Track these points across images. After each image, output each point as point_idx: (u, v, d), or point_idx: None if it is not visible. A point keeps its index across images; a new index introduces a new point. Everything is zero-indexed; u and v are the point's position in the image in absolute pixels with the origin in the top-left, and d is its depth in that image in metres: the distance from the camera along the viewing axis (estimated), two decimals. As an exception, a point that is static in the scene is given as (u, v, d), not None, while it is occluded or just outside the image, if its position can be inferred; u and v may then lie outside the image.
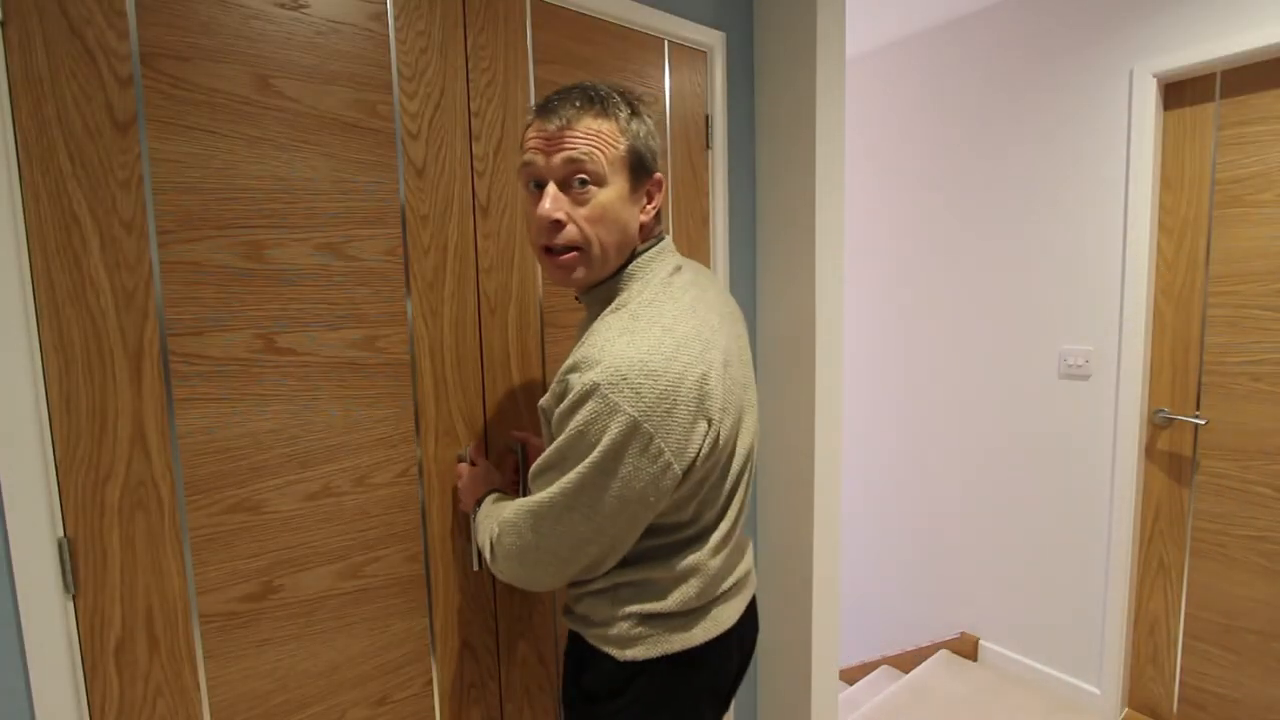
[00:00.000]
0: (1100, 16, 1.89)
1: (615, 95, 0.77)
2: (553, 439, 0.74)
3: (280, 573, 0.90)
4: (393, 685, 1.02)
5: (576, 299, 0.89)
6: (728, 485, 0.81)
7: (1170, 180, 1.85)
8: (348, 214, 0.93)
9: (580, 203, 0.75)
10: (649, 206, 0.81)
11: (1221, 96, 1.74)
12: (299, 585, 0.92)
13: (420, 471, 1.03)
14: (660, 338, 0.70)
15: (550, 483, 0.72)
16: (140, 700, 0.80)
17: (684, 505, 0.77)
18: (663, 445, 0.68)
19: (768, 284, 1.52)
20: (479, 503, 0.92)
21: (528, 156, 0.77)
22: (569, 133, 0.74)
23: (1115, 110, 1.87)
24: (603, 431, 0.67)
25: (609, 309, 0.78)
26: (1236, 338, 1.75)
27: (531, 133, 0.77)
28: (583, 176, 0.74)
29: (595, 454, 0.67)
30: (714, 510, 0.81)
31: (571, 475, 0.70)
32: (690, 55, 1.41)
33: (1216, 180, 1.76)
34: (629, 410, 0.66)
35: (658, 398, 0.67)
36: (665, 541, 0.79)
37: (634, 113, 0.78)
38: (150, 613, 0.81)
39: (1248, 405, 1.73)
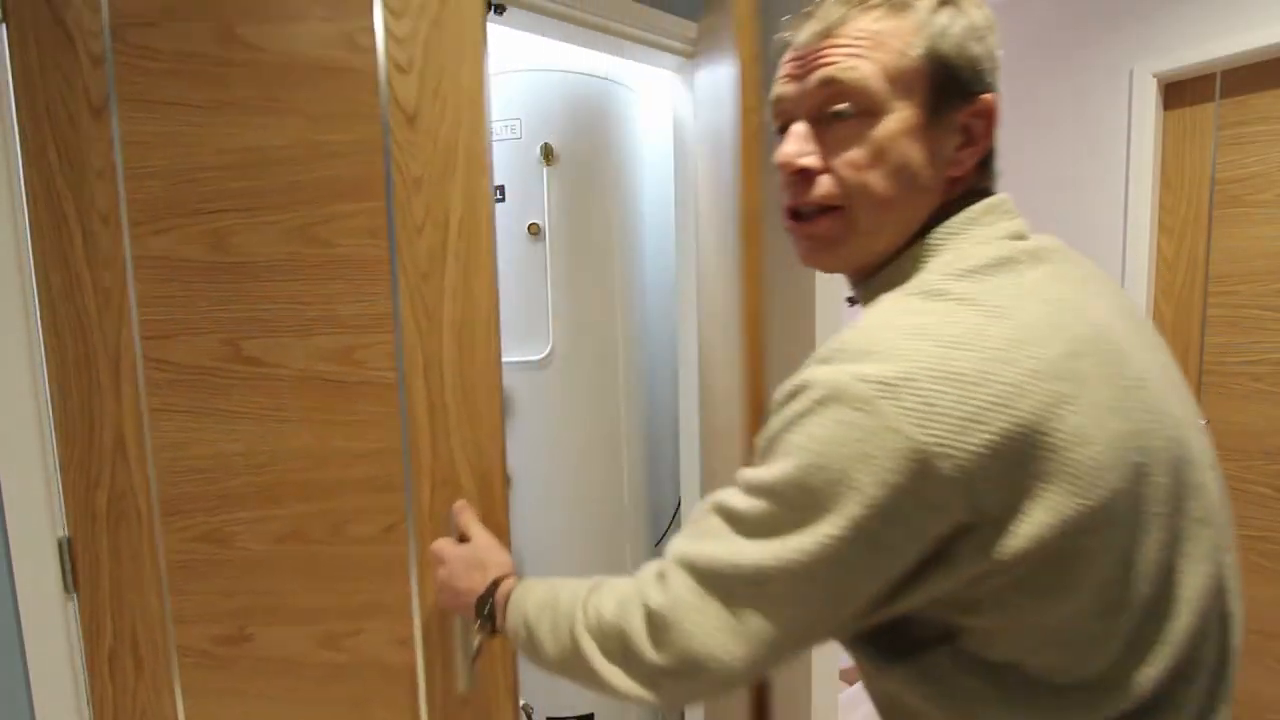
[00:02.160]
0: (1100, 16, 1.89)
1: None
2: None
3: (252, 620, 0.78)
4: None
5: (850, 300, 0.61)
6: (1133, 618, 0.43)
7: (1170, 180, 1.85)
8: (322, 187, 0.74)
9: (841, 143, 0.51)
10: (966, 149, 0.52)
11: (1221, 96, 1.74)
12: (271, 640, 0.79)
13: (411, 529, 0.79)
14: (980, 325, 0.41)
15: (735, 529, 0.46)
16: (131, 714, 0.78)
17: (1023, 635, 0.43)
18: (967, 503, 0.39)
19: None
20: (489, 597, 0.64)
21: (775, 92, 0.55)
22: (830, 42, 0.50)
23: (1115, 110, 1.87)
24: (859, 461, 0.40)
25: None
26: (1236, 338, 1.75)
27: (785, 57, 0.54)
28: (842, 104, 0.50)
29: (854, 501, 0.40)
30: (1105, 656, 0.43)
31: (806, 536, 0.42)
32: None
33: (1216, 180, 1.76)
34: (910, 430, 0.39)
35: (964, 419, 0.38)
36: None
37: (946, 3, 0.50)
38: (134, 631, 0.77)
39: (1248, 405, 1.73)
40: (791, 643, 0.45)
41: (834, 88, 0.50)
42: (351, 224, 0.75)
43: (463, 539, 0.72)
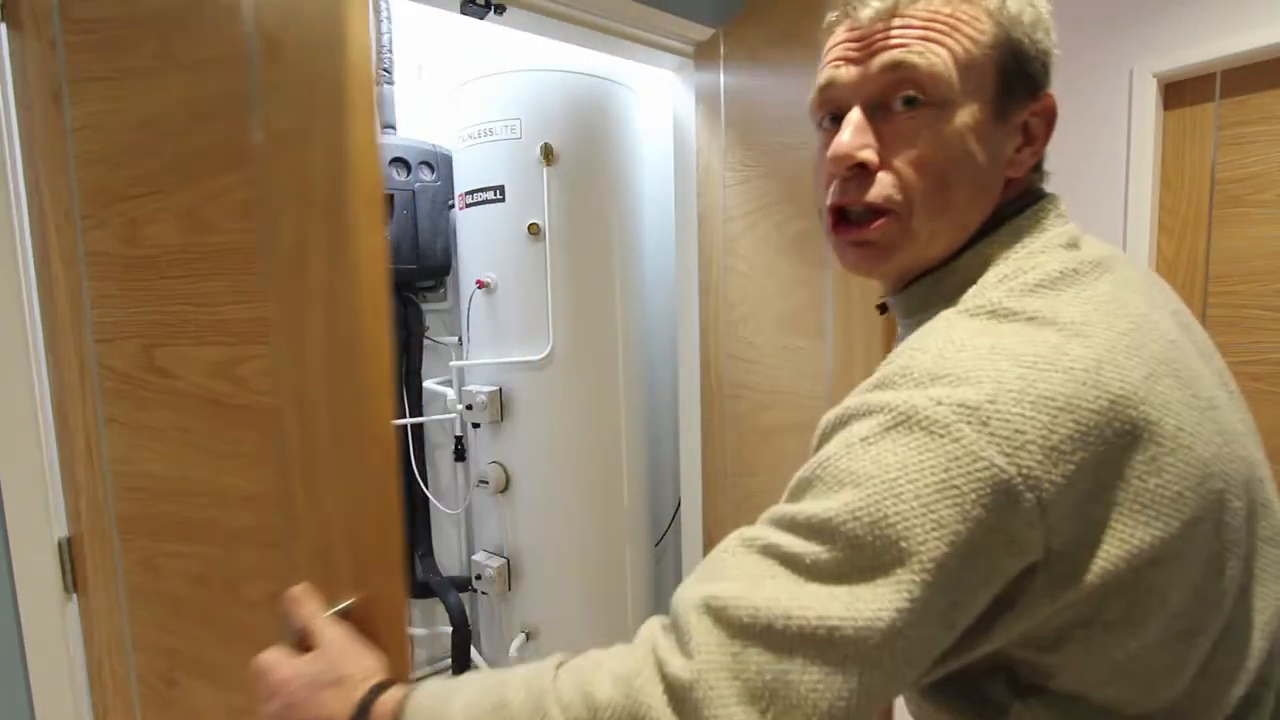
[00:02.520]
0: (1100, 16, 1.89)
1: None
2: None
3: (179, 665, 0.68)
4: None
5: (880, 307, 0.56)
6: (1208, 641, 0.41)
7: (1170, 180, 1.85)
8: (202, 158, 0.60)
9: (906, 137, 0.45)
10: (1026, 149, 0.49)
11: (1221, 96, 1.74)
12: (194, 693, 0.67)
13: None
14: (1061, 344, 0.37)
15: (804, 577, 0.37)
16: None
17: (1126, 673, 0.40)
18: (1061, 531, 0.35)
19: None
20: (364, 710, 0.45)
21: (825, 76, 0.48)
22: (899, 22, 0.44)
23: (1115, 110, 1.87)
24: (941, 493, 0.34)
25: (949, 309, 0.44)
26: (1236, 338, 1.75)
27: (836, 38, 0.48)
28: (911, 93, 0.44)
29: (936, 539, 0.34)
30: (1176, 685, 0.41)
31: (891, 580, 0.35)
32: None
33: (1216, 180, 1.76)
34: (998, 459, 0.34)
35: (1051, 448, 0.34)
36: None
37: None
38: (110, 647, 0.73)
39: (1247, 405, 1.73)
40: (854, 713, 0.35)
41: (903, 73, 0.44)
42: (227, 201, 0.58)
43: (305, 646, 0.50)
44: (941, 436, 0.35)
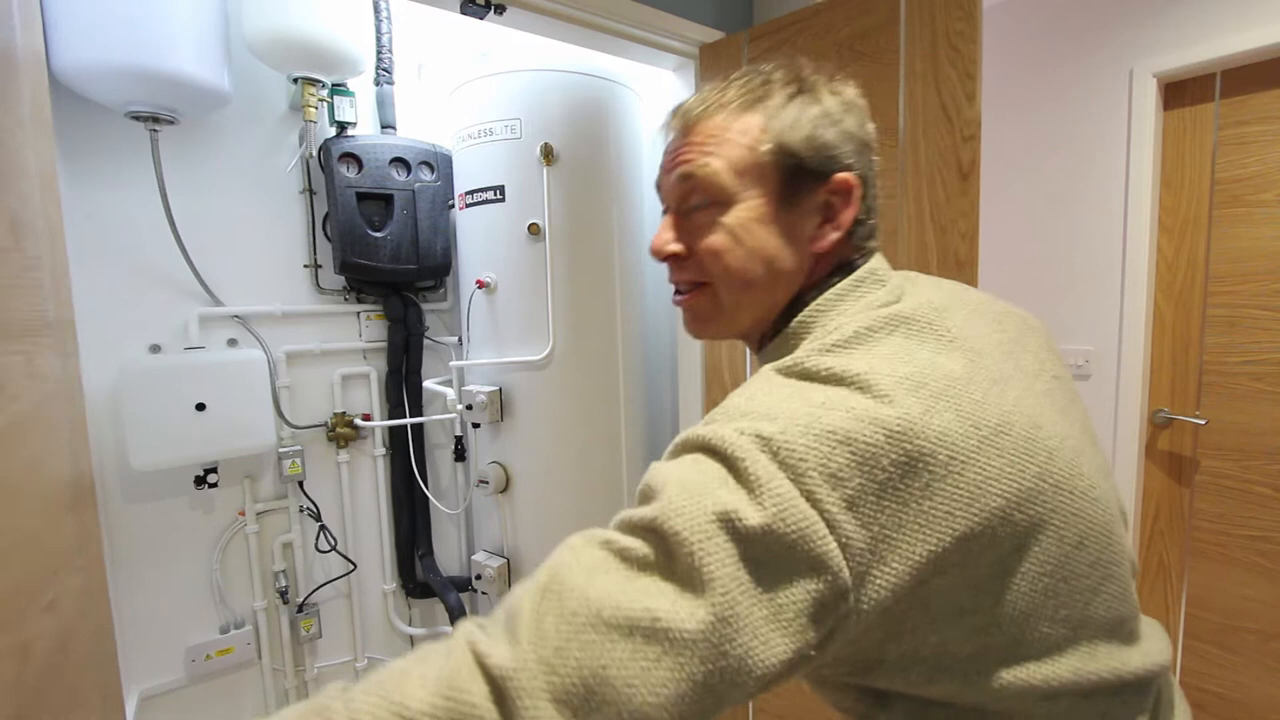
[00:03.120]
0: (1100, 16, 1.89)
1: (776, 73, 0.56)
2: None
3: None
4: None
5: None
6: None
7: (1170, 180, 1.85)
8: None
9: (699, 230, 0.56)
10: (827, 224, 0.56)
11: (1221, 96, 1.74)
12: None
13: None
14: (847, 394, 0.44)
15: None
16: None
17: None
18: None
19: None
20: None
21: (656, 180, 0.62)
22: (687, 140, 0.56)
23: (1115, 110, 1.87)
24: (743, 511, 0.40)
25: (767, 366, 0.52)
26: (1236, 338, 1.75)
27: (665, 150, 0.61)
28: (696, 200, 0.56)
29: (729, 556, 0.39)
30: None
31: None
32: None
33: (1216, 180, 1.76)
34: (785, 482, 0.41)
35: (837, 471, 0.41)
36: None
37: (800, 92, 0.55)
38: None
39: (1248, 405, 1.73)
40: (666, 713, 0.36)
41: (690, 183, 0.56)
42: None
43: None
44: (741, 459, 0.41)
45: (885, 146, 1.29)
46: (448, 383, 1.76)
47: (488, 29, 1.40)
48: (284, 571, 1.66)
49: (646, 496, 0.43)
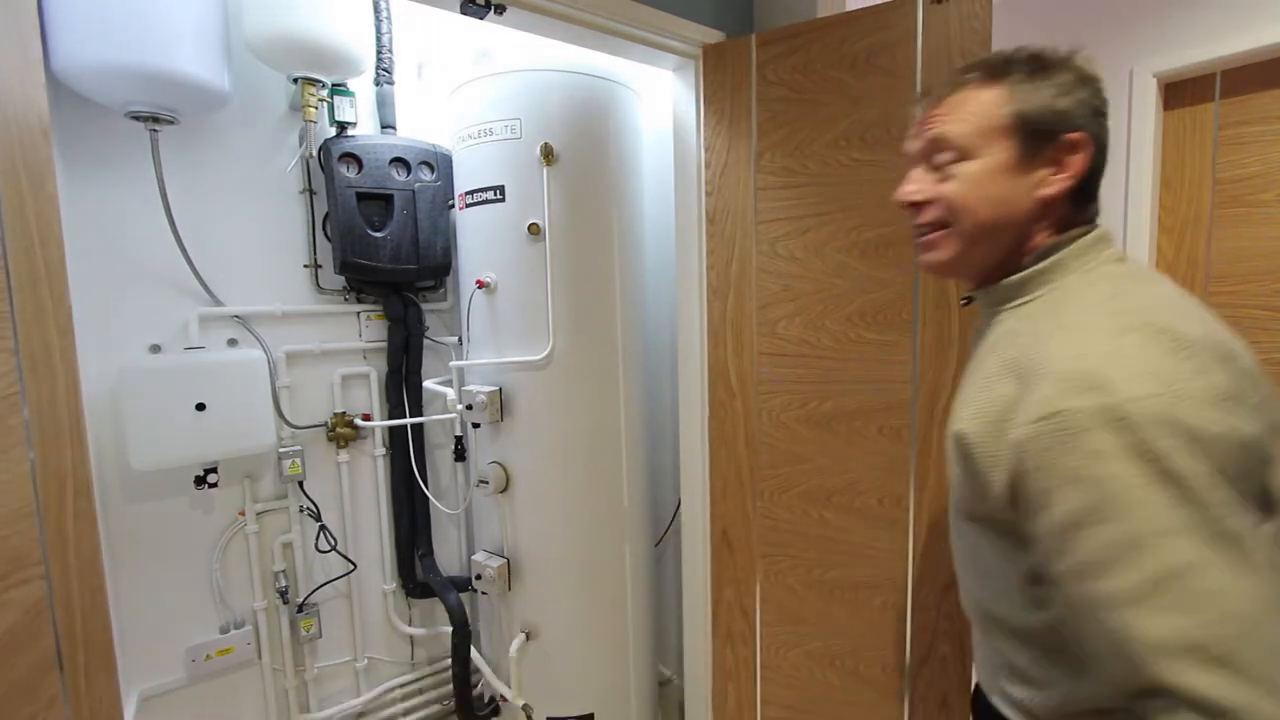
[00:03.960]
0: (1100, 16, 1.89)
1: (1018, 54, 0.68)
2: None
3: None
4: None
5: (965, 301, 0.79)
6: None
7: (1170, 180, 1.85)
8: None
9: (943, 179, 0.70)
10: (1057, 174, 0.66)
11: (1221, 96, 1.74)
12: None
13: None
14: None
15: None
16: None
17: None
18: None
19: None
20: None
21: (906, 147, 0.77)
22: (936, 110, 0.71)
23: (1115, 110, 1.87)
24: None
25: (1035, 294, 0.67)
26: (1236, 338, 1.75)
27: (912, 125, 0.76)
28: (944, 156, 0.69)
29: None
30: None
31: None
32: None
33: (1216, 180, 1.76)
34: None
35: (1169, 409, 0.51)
36: None
37: (1040, 69, 0.66)
38: None
39: (1248, 405, 1.73)
40: None
41: (938, 142, 0.70)
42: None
43: None
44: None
45: (904, 157, 1.32)
46: (448, 383, 1.76)
47: (488, 29, 1.40)
48: (284, 571, 1.66)
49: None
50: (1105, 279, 0.64)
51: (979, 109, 0.67)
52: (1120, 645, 0.50)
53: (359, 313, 1.76)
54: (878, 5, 1.34)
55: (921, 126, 0.72)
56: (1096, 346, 0.55)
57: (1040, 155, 0.66)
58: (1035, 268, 0.67)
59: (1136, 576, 0.49)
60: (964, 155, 0.68)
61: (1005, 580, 0.65)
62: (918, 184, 0.72)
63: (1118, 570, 0.49)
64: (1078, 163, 0.65)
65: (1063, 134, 0.65)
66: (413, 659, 1.93)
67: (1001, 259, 0.70)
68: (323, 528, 1.71)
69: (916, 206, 0.72)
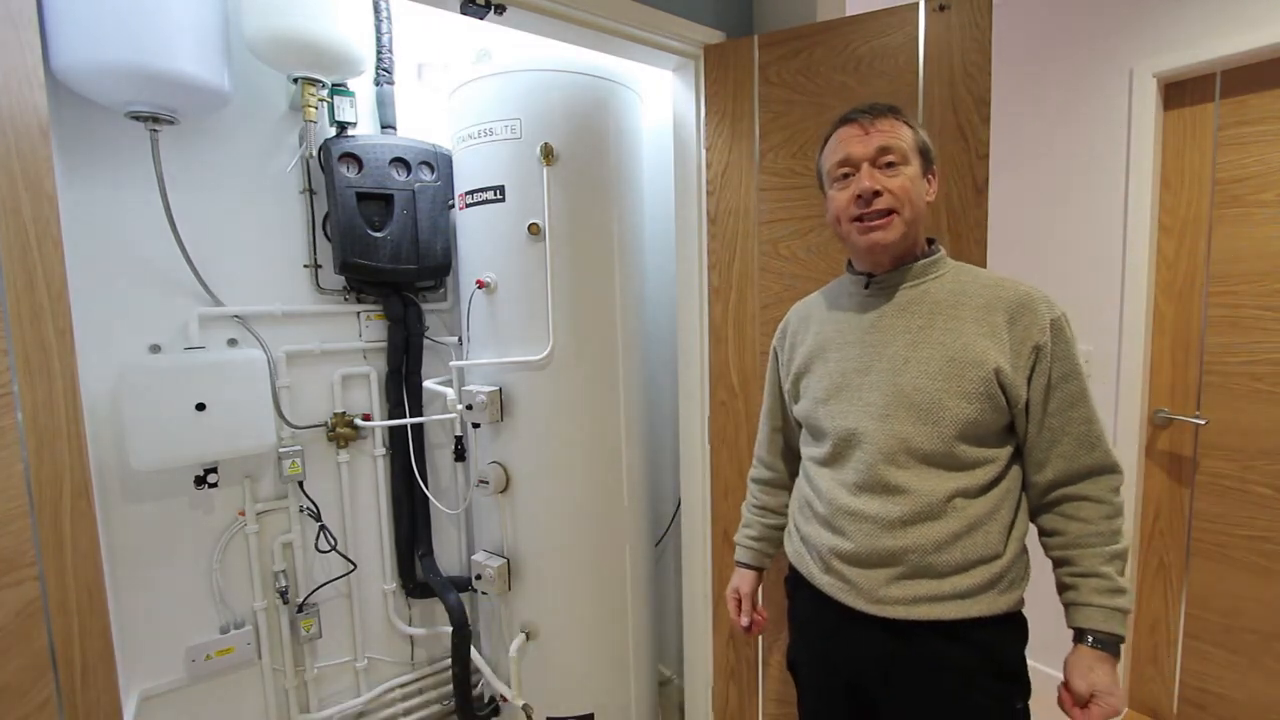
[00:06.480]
0: (1100, 16, 1.89)
1: (902, 113, 0.99)
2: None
3: None
4: None
5: (867, 282, 1.02)
6: None
7: (1170, 180, 1.85)
8: None
9: (892, 177, 0.94)
10: (929, 189, 0.99)
11: (1221, 96, 1.74)
12: None
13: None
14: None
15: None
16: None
17: None
18: None
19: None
20: None
21: (845, 150, 0.97)
22: (877, 124, 0.95)
23: (1115, 110, 1.87)
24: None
25: (941, 272, 1.00)
26: (1236, 338, 1.75)
27: (844, 133, 0.98)
28: (892, 157, 0.94)
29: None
30: None
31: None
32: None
33: (1216, 180, 1.76)
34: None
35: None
36: None
37: (916, 123, 1.00)
38: None
39: (1248, 405, 1.73)
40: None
41: (888, 150, 0.95)
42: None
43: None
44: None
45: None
46: (448, 383, 1.76)
47: (488, 29, 1.40)
48: (284, 571, 1.66)
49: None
50: (965, 264, 1.02)
51: (906, 132, 0.96)
52: (1095, 441, 0.93)
53: (359, 313, 1.76)
54: (881, 10, 1.34)
55: (868, 133, 0.95)
56: (1030, 286, 0.97)
57: (927, 173, 0.99)
58: (940, 254, 1.01)
59: (1091, 407, 0.93)
60: (903, 161, 0.94)
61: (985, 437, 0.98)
62: (873, 179, 0.94)
63: (1085, 403, 0.93)
64: (935, 184, 1.00)
65: (933, 163, 1.00)
66: (413, 659, 1.93)
67: (910, 246, 0.99)
68: (323, 528, 1.71)
69: (875, 195, 0.93)
